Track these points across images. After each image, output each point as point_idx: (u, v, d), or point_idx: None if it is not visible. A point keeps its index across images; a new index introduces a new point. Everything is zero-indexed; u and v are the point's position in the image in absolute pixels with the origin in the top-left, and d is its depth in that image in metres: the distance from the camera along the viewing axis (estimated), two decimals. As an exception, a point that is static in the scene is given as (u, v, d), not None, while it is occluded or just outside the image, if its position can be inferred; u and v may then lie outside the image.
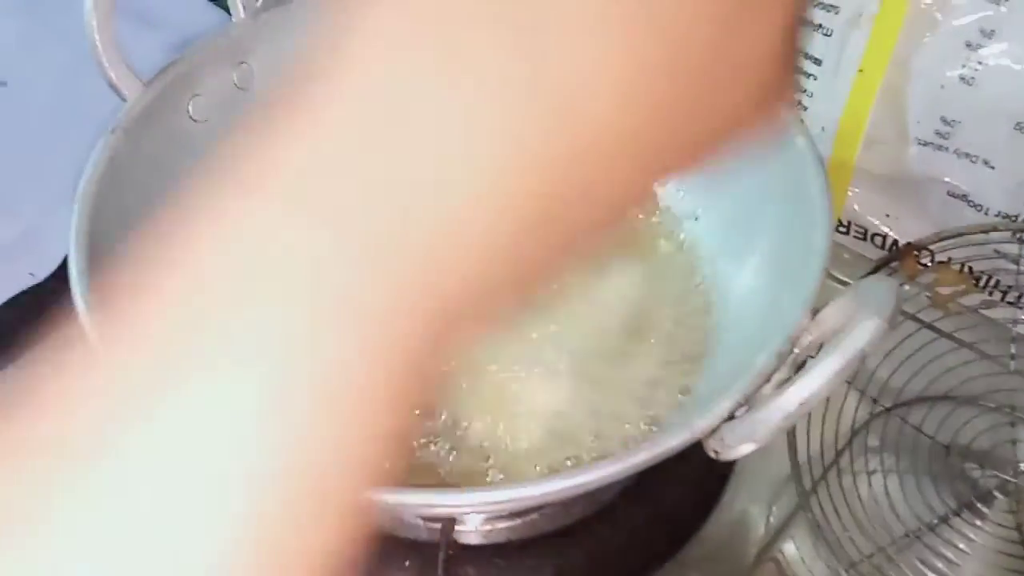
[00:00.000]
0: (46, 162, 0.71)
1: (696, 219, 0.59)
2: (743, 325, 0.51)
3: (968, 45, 0.58)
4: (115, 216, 0.49)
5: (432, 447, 0.49)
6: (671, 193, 0.60)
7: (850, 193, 0.67)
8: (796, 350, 0.43)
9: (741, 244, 0.54)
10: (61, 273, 0.67)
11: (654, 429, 0.49)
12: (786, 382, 0.43)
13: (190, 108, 0.56)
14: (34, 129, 0.76)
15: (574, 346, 0.53)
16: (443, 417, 0.50)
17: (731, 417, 0.41)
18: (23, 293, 0.66)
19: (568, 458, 0.48)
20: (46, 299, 0.66)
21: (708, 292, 0.55)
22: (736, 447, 0.40)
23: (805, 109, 0.65)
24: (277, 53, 0.59)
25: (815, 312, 0.44)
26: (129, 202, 0.51)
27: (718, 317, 0.54)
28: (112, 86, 0.52)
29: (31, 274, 0.66)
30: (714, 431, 0.41)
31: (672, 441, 0.40)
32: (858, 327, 0.38)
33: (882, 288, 0.40)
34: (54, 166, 0.69)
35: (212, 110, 0.57)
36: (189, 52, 0.56)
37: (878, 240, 0.68)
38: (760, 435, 0.39)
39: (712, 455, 0.41)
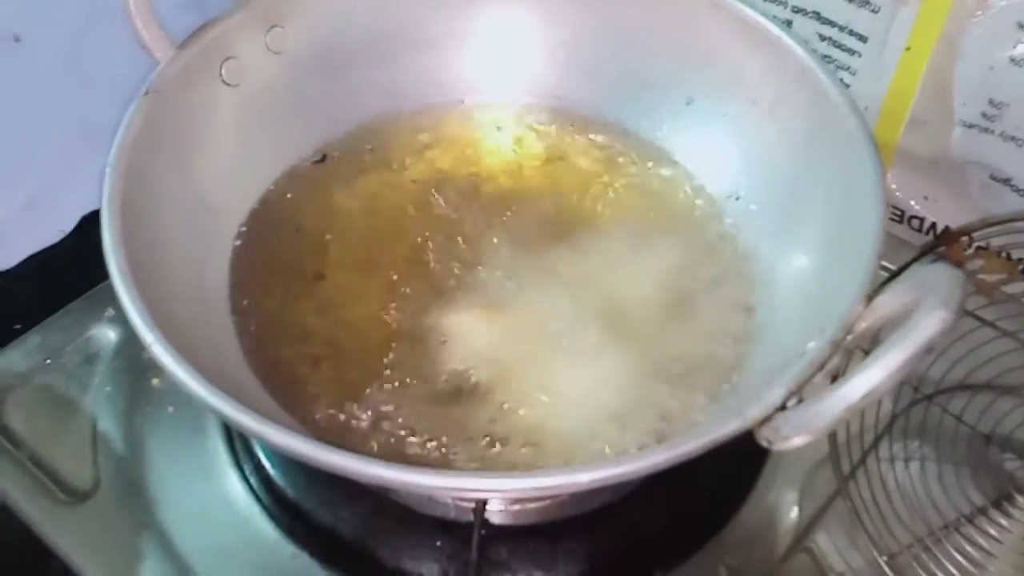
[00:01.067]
0: (62, 117, 0.70)
1: (737, 199, 0.57)
2: (791, 310, 0.49)
3: (1020, 26, 0.56)
4: (147, 181, 0.48)
5: (473, 428, 0.48)
6: (710, 172, 0.59)
7: (889, 174, 0.66)
8: (849, 337, 0.42)
9: (789, 226, 0.53)
10: (78, 232, 0.66)
11: (700, 413, 0.48)
12: (835, 376, 0.43)
13: (223, 72, 0.55)
14: (48, 84, 0.74)
15: (617, 327, 0.51)
16: (485, 398, 0.49)
17: (783, 406, 0.40)
18: (38, 254, 0.65)
19: (609, 443, 0.47)
20: (62, 260, 0.65)
21: (754, 274, 0.54)
22: (792, 438, 0.39)
23: (848, 87, 0.63)
24: (312, 16, 0.58)
25: (870, 298, 0.42)
26: (161, 167, 0.50)
27: (765, 300, 0.52)
28: (144, 47, 0.51)
29: (61, 231, 0.65)
30: (767, 420, 0.40)
31: (724, 429, 0.39)
32: (925, 318, 0.37)
33: (946, 277, 0.38)
34: (70, 121, 0.68)
35: (245, 74, 0.55)
36: (222, 14, 0.54)
37: (915, 223, 0.66)
38: (818, 426, 0.38)
39: (764, 444, 0.40)
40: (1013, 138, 0.59)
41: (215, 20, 0.54)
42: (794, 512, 0.56)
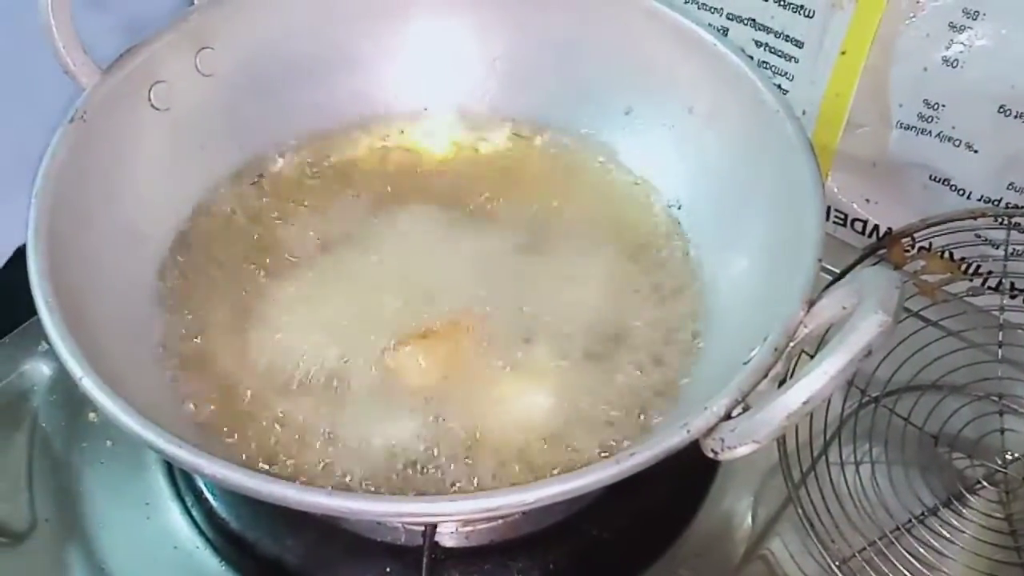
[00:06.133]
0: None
1: (679, 207, 0.57)
2: (735, 316, 0.49)
3: (952, 26, 0.57)
4: (75, 211, 0.47)
5: (419, 451, 0.47)
6: (653, 180, 0.59)
7: (830, 177, 0.66)
8: (792, 343, 0.42)
9: (731, 233, 0.53)
10: (12, 265, 0.64)
11: (646, 425, 0.48)
12: (784, 378, 0.42)
13: (152, 96, 0.53)
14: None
15: (561, 340, 0.51)
16: (429, 420, 0.48)
17: (727, 415, 0.39)
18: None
19: (558, 460, 0.47)
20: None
21: (698, 281, 0.54)
22: (736, 448, 0.38)
23: (786, 92, 0.64)
24: (243, 36, 0.57)
25: (811, 303, 0.42)
26: (89, 195, 0.49)
27: (709, 307, 0.52)
28: (69, 73, 0.50)
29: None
30: (712, 430, 0.39)
31: (669, 442, 0.39)
32: (862, 322, 0.36)
33: (885, 281, 0.38)
34: (1, 150, 0.66)
35: (175, 98, 0.54)
36: (149, 37, 0.53)
37: (858, 225, 0.67)
38: (762, 435, 0.38)
39: (710, 455, 0.40)
40: (950, 138, 0.60)
41: (143, 43, 0.53)
42: (748, 519, 0.55)
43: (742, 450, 0.39)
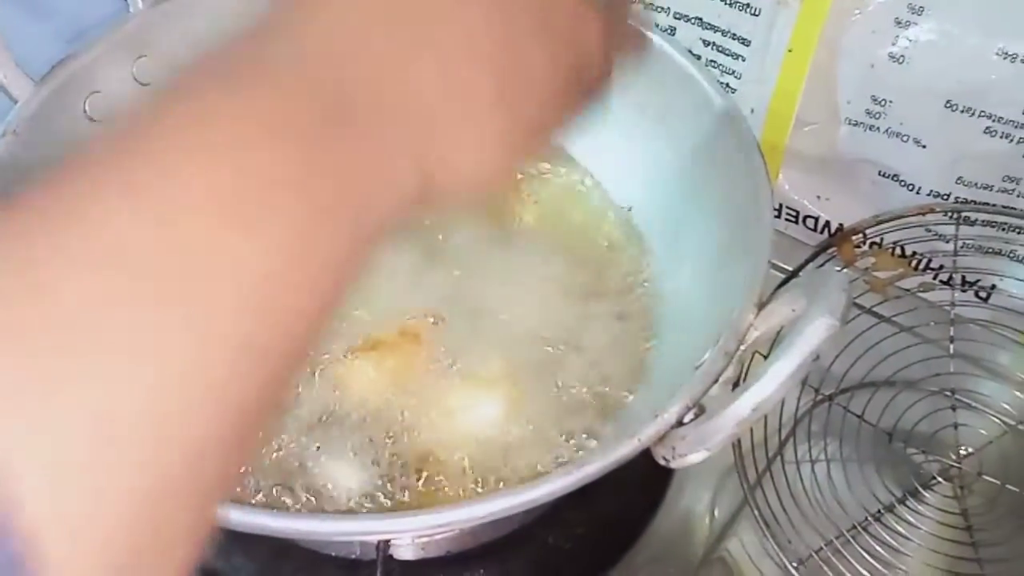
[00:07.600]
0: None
1: (631, 209, 0.57)
2: (686, 318, 0.49)
3: (897, 22, 0.56)
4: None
5: (371, 466, 0.46)
6: (607, 183, 0.58)
7: (781, 175, 0.66)
8: (742, 346, 0.42)
9: (681, 234, 0.53)
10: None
11: (599, 433, 0.47)
12: (735, 383, 0.42)
13: (87, 107, 0.52)
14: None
15: (511, 349, 0.50)
16: (379, 432, 0.47)
17: (680, 422, 0.39)
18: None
19: (510, 472, 0.46)
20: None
21: (650, 285, 0.53)
22: (687, 456, 0.38)
23: (734, 91, 0.63)
24: (180, 44, 0.56)
25: (761, 306, 0.42)
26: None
27: (661, 311, 0.52)
28: (1, 87, 0.48)
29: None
30: (663, 438, 0.39)
31: (619, 452, 0.38)
32: (810, 326, 0.36)
33: (832, 283, 0.38)
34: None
35: (112, 108, 0.53)
36: (84, 46, 0.52)
37: (810, 222, 0.67)
38: (713, 443, 0.38)
39: (662, 462, 0.39)
40: (898, 134, 0.60)
41: (77, 53, 0.52)
42: (706, 521, 0.55)
43: (693, 458, 0.38)
